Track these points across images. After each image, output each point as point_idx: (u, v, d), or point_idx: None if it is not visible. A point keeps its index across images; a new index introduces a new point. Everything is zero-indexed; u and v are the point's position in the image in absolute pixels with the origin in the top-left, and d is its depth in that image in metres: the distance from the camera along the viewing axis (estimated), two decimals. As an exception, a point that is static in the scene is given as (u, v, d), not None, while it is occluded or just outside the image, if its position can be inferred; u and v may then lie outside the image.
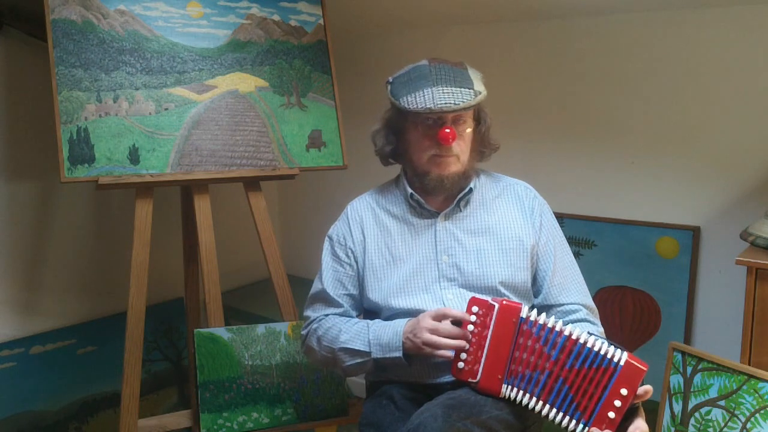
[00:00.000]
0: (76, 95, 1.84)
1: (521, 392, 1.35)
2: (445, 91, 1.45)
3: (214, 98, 2.04)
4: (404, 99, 1.48)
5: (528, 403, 1.34)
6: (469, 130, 1.54)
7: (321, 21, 2.24)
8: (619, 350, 1.31)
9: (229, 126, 2.05)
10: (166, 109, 1.96)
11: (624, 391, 1.27)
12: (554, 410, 1.32)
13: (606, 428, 1.27)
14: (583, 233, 2.26)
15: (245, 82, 2.10)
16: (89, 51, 1.87)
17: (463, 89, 1.46)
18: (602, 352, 1.31)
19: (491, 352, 1.36)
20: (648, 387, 1.30)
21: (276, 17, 2.18)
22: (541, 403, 1.33)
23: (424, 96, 1.45)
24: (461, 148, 1.52)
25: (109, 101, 1.89)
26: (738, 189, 1.98)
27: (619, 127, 2.16)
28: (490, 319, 1.38)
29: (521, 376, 1.35)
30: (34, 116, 2.20)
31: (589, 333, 1.35)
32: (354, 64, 2.70)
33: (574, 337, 1.33)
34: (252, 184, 2.10)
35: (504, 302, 1.38)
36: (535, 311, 1.37)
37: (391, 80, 1.56)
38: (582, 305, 1.57)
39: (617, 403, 1.27)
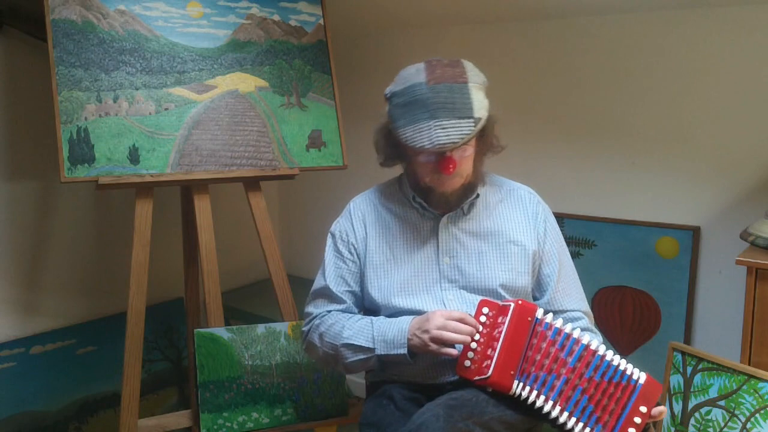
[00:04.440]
0: (76, 95, 1.84)
1: (534, 392, 1.33)
2: (444, 125, 1.37)
3: (214, 98, 2.04)
4: (402, 131, 1.41)
5: (543, 406, 1.33)
6: (471, 150, 1.48)
7: (321, 21, 2.24)
8: (637, 369, 1.33)
9: (229, 126, 2.05)
10: (166, 109, 1.96)
11: (643, 409, 1.30)
12: (573, 419, 1.32)
13: None
14: (583, 233, 2.26)
15: (245, 82, 2.10)
16: (89, 51, 1.87)
17: (461, 120, 1.38)
18: (621, 368, 1.33)
19: (505, 348, 1.35)
20: (663, 408, 1.33)
21: (276, 17, 2.18)
22: (558, 408, 1.32)
23: (421, 132, 1.38)
24: (463, 167, 1.48)
25: (109, 101, 1.89)
26: (738, 189, 1.98)
27: (619, 127, 2.16)
28: (505, 318, 1.37)
29: (534, 377, 1.34)
30: (34, 116, 2.19)
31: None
32: (354, 64, 2.69)
33: (593, 347, 1.34)
34: (252, 184, 2.10)
35: (520, 302, 1.38)
36: (550, 314, 1.38)
37: (388, 95, 1.48)
38: (583, 312, 1.58)
39: (637, 420, 1.29)
